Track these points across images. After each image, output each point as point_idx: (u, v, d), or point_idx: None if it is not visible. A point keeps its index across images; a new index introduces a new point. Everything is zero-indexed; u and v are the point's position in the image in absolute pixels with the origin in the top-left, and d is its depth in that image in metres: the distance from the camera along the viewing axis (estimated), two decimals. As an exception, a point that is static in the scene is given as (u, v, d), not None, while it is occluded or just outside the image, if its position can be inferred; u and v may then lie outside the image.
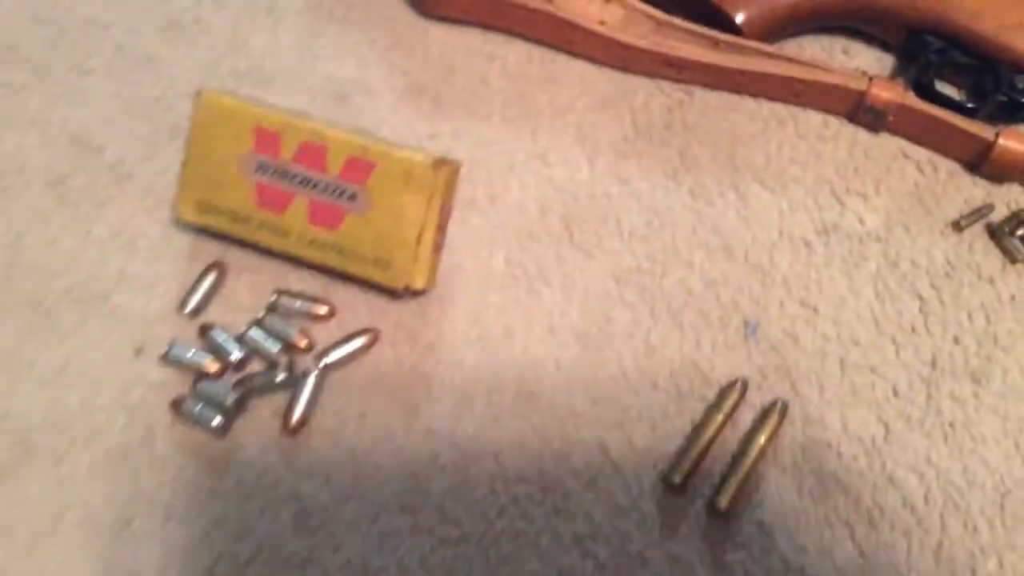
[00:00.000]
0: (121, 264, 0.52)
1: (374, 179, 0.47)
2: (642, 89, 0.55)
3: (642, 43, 0.52)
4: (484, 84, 0.56)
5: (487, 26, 0.56)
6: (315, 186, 0.48)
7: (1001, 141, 0.49)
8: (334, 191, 0.48)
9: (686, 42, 0.52)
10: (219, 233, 0.50)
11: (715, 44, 0.52)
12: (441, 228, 0.49)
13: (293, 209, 0.48)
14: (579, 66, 0.56)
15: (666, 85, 0.55)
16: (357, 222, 0.48)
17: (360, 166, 0.48)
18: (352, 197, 0.48)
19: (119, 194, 0.53)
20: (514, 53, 0.56)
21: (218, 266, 0.51)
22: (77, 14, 0.58)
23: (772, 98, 0.54)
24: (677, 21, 0.53)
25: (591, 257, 0.51)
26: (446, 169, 0.47)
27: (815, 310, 0.50)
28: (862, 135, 0.53)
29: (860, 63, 0.55)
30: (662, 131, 0.54)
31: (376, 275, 0.48)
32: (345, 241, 0.48)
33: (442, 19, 0.57)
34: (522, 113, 0.55)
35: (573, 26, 0.53)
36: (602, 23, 0.54)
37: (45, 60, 0.57)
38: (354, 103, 0.55)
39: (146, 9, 0.58)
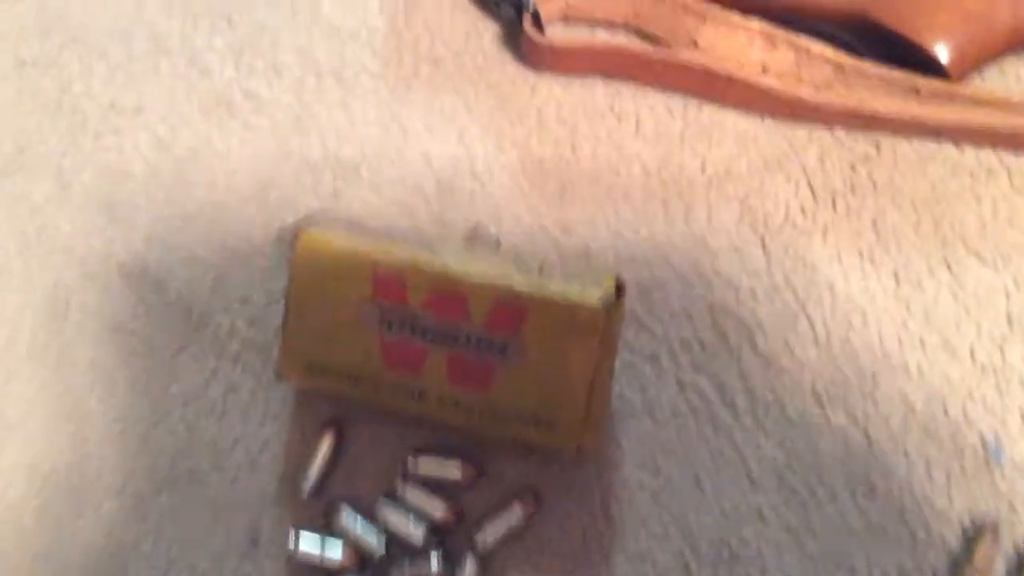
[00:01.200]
0: (216, 432, 0.44)
1: (528, 327, 0.39)
2: (814, 142, 0.46)
3: (822, 97, 0.43)
4: (618, 151, 0.46)
5: (611, 76, 0.47)
6: (455, 340, 0.39)
7: None
8: (479, 344, 0.39)
9: (878, 92, 0.42)
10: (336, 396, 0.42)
11: (915, 92, 0.42)
12: (611, 371, 0.40)
13: (430, 367, 0.39)
14: (732, 117, 0.46)
15: (844, 135, 0.46)
16: (510, 378, 0.39)
17: (509, 313, 0.39)
18: (502, 350, 0.39)
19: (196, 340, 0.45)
20: (648, 108, 0.46)
21: (335, 426, 0.43)
22: (100, 99, 0.48)
23: (978, 143, 0.45)
24: (865, 65, 0.43)
25: (781, 371, 0.43)
26: (616, 305, 0.39)
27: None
28: (1098, 184, 0.45)
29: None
30: (847, 195, 0.45)
31: (539, 437, 0.40)
32: (497, 401, 0.40)
33: (558, 66, 0.47)
34: (669, 186, 0.45)
35: (730, 79, 0.43)
36: (765, 70, 0.44)
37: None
38: (462, 189, 0.46)
39: (182, 87, 0.48)
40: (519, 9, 0.44)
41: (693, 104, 0.46)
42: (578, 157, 0.46)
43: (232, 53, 0.47)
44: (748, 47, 0.43)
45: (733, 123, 0.46)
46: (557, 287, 0.38)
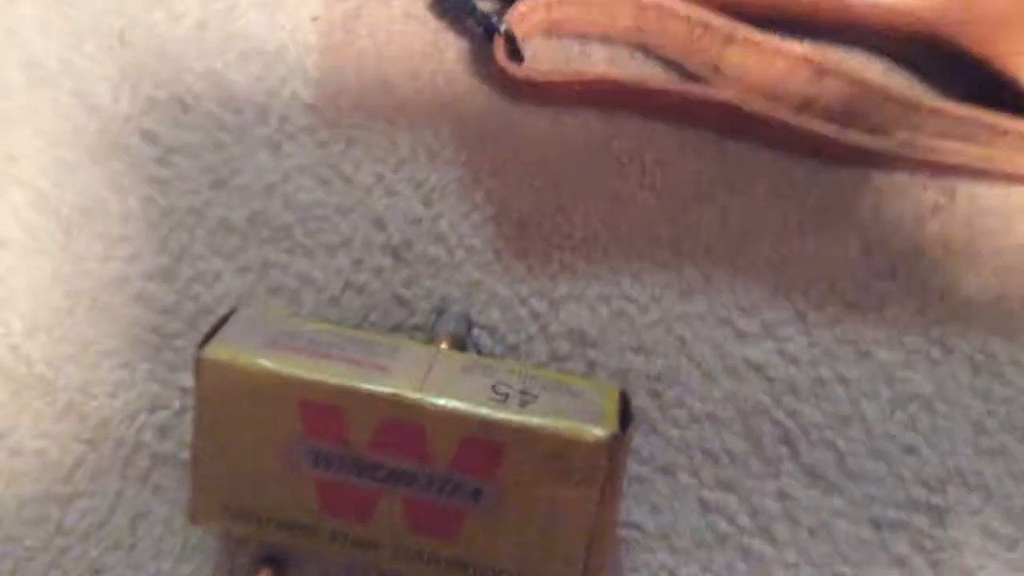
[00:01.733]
0: (124, 572, 0.35)
1: (508, 467, 0.30)
2: (870, 190, 0.36)
3: (881, 143, 0.33)
4: (618, 204, 0.37)
5: (608, 108, 0.37)
6: (413, 480, 0.31)
7: None
8: (444, 486, 0.30)
9: (955, 136, 0.33)
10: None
11: (1001, 134, 0.33)
12: (616, 519, 0.32)
13: (381, 513, 0.31)
14: (764, 158, 0.37)
15: (908, 178, 0.36)
16: (485, 528, 0.31)
17: (482, 450, 0.30)
18: (474, 494, 0.30)
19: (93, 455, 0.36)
20: (657, 147, 0.37)
21: (272, 565, 0.35)
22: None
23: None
24: (940, 105, 0.33)
25: (832, 491, 0.35)
26: (622, 439, 0.29)
27: None
28: None
29: None
30: (911, 259, 0.36)
31: (523, 599, 0.32)
32: (468, 554, 0.31)
33: (542, 99, 0.37)
34: (684, 249, 0.36)
35: (764, 120, 0.34)
36: (808, 106, 0.34)
37: None
38: (422, 257, 0.36)
39: (66, 128, 0.38)
40: (488, 31, 0.34)
41: (712, 140, 0.37)
42: (568, 213, 0.37)
43: (127, 82, 0.37)
44: (787, 77, 0.34)
45: (766, 165, 0.37)
46: (543, 416, 0.30)
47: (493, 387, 0.31)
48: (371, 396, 0.30)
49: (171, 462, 0.35)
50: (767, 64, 0.34)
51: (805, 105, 0.34)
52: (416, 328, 0.36)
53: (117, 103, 0.37)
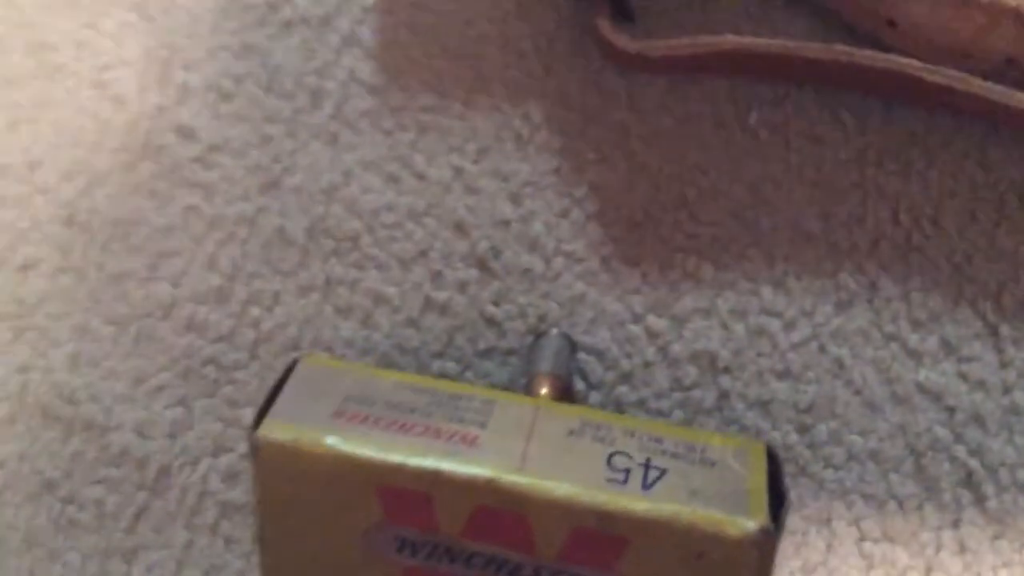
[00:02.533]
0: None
1: (631, 563, 0.25)
2: (1085, 162, 0.28)
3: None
4: (757, 192, 0.29)
5: (746, 76, 0.29)
6: (517, 572, 0.26)
7: None
8: (553, 579, 0.26)
9: None
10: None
11: None
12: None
13: (478, 604, 0.26)
14: (944, 122, 0.29)
15: None
16: (604, 625, 0.26)
17: (599, 542, 0.25)
18: (590, 589, 0.25)
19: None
20: (807, 117, 0.29)
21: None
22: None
23: None
24: None
25: None
26: (774, 531, 0.23)
27: None
28: None
29: None
30: None
31: None
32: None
33: (662, 68, 0.30)
34: (841, 243, 0.29)
35: (954, 91, 0.26)
36: (1012, 64, 0.26)
37: None
38: (515, 269, 0.30)
39: (88, 123, 0.32)
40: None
41: (878, 107, 0.29)
42: (693, 207, 0.30)
43: (155, 66, 0.32)
44: (984, 32, 0.26)
45: (948, 137, 0.29)
46: (674, 501, 0.24)
47: (609, 460, 0.25)
48: (462, 481, 0.25)
49: (242, 511, 0.31)
50: (962, 18, 0.26)
51: (1007, 67, 0.26)
52: (510, 353, 0.31)
53: (145, 92, 0.31)
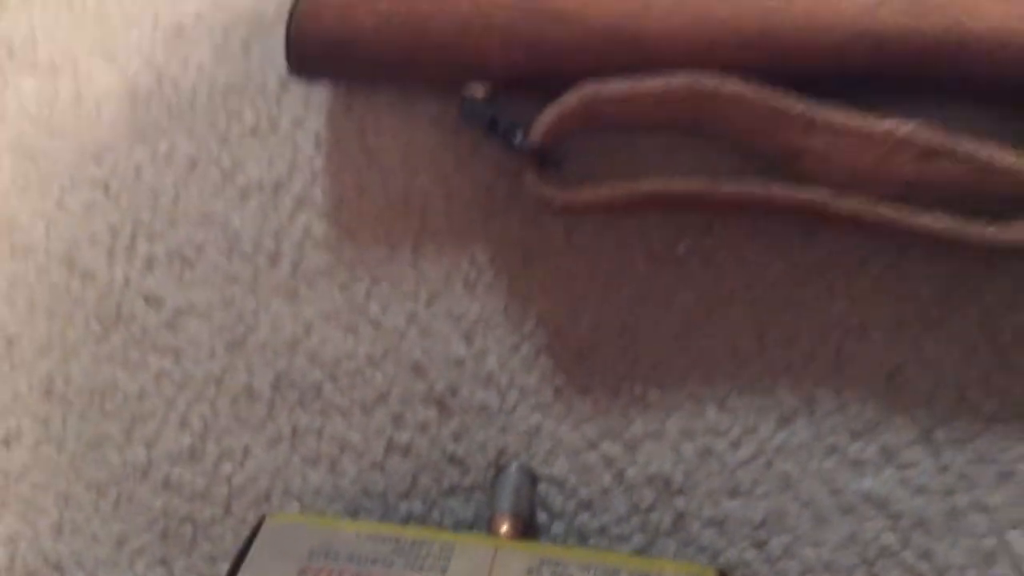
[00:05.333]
0: None
1: None
2: (998, 274, 0.30)
3: (1010, 234, 0.27)
4: (693, 316, 0.31)
5: (673, 209, 0.31)
6: None
7: None
8: None
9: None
10: None
11: None
12: None
13: None
14: (862, 242, 0.31)
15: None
16: None
17: None
18: None
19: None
20: (732, 243, 0.31)
21: None
22: None
23: None
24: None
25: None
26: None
27: None
28: None
29: None
30: (1056, 353, 0.30)
31: None
32: None
33: (587, 211, 0.32)
34: (777, 360, 0.30)
35: (859, 218, 0.28)
36: (911, 188, 0.28)
37: None
38: (470, 405, 0.32)
39: (62, 300, 0.34)
40: (512, 144, 0.29)
41: (799, 230, 0.31)
42: (634, 334, 0.32)
43: (120, 240, 0.34)
44: (885, 161, 0.28)
45: (867, 255, 0.31)
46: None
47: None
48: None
49: (225, 661, 0.33)
50: (858, 149, 0.28)
51: (911, 189, 0.28)
52: (473, 488, 0.32)
53: (113, 265, 0.33)
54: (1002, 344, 0.30)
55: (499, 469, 0.32)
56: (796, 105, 0.28)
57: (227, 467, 0.33)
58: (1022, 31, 0.27)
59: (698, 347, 0.32)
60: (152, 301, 0.33)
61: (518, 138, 0.29)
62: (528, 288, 0.32)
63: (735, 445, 0.31)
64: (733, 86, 0.28)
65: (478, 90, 0.30)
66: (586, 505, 0.32)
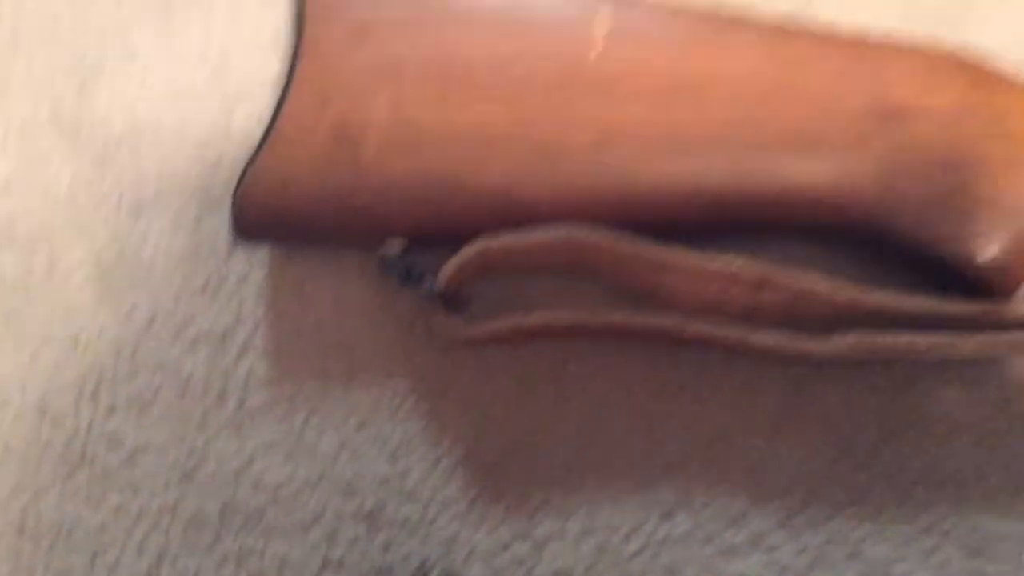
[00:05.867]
0: None
1: None
2: (832, 381, 0.36)
3: (831, 346, 0.33)
4: (586, 427, 0.37)
5: (560, 339, 0.37)
6: None
7: None
8: None
9: (908, 328, 0.33)
10: None
11: (954, 322, 0.33)
12: None
13: None
14: (721, 359, 0.37)
15: (865, 380, 0.36)
16: None
17: None
18: None
19: None
20: (613, 363, 0.37)
21: None
22: None
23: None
24: (889, 299, 0.33)
25: None
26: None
27: None
28: None
29: None
30: (886, 446, 0.36)
31: None
32: None
33: (492, 342, 0.37)
34: (657, 461, 0.36)
35: (702, 334, 0.34)
36: (751, 315, 0.35)
37: None
38: (395, 519, 0.36)
39: (30, 449, 0.39)
40: (425, 292, 0.35)
41: (667, 350, 0.37)
42: (538, 446, 0.37)
43: (87, 389, 0.39)
44: (725, 293, 0.34)
45: (726, 369, 0.37)
46: None
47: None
48: None
49: None
50: (703, 284, 0.34)
51: (750, 313, 0.34)
52: (402, 594, 0.36)
53: (79, 413, 0.38)
54: (841, 438, 0.36)
55: (423, 574, 0.36)
56: (650, 249, 0.34)
57: (180, 588, 0.37)
58: (819, 188, 0.34)
59: (592, 454, 0.37)
60: (113, 442, 0.38)
61: (427, 285, 0.35)
62: (444, 411, 0.37)
63: (626, 539, 0.36)
64: (600, 236, 0.34)
65: (394, 246, 0.36)
66: (501, 602, 0.36)
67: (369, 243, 0.37)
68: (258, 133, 0.36)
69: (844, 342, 0.33)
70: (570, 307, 0.36)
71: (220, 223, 0.38)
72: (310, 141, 0.35)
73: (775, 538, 0.35)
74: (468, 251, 0.35)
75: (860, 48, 0.35)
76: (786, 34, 0.35)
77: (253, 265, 0.38)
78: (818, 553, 0.35)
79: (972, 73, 0.34)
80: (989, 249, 0.33)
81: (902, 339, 0.33)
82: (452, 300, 0.36)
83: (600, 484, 0.37)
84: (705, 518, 0.36)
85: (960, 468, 0.35)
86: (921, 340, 0.33)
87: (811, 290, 0.34)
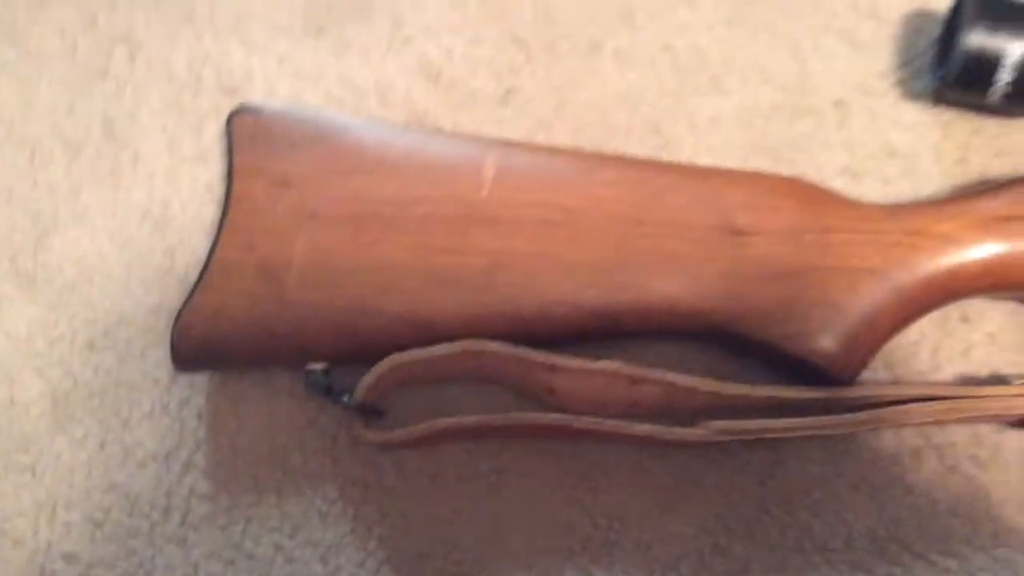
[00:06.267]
0: None
1: None
2: (714, 464, 0.41)
3: (699, 432, 0.38)
4: (496, 521, 0.41)
5: (469, 440, 0.42)
6: None
7: None
8: None
9: (765, 411, 0.39)
10: None
11: (803, 405, 0.38)
12: None
13: None
14: (613, 448, 0.42)
15: (741, 450, 0.41)
16: None
17: None
18: None
19: None
20: (519, 460, 0.41)
21: None
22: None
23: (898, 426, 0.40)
24: (745, 389, 0.39)
25: None
26: None
27: None
28: (1033, 444, 0.41)
29: (991, 330, 0.41)
30: (759, 517, 0.41)
31: None
32: None
33: (408, 447, 0.42)
34: (562, 546, 0.40)
35: (594, 429, 0.39)
36: (635, 407, 0.40)
37: None
38: (331, 611, 0.41)
39: None
40: (343, 404, 0.40)
41: (568, 445, 0.42)
42: (454, 542, 0.41)
43: (44, 511, 0.42)
44: (609, 388, 0.39)
45: (618, 458, 0.41)
46: None
47: None
48: None
49: None
50: (588, 382, 0.39)
51: (632, 406, 0.39)
52: None
53: (37, 533, 0.42)
54: (721, 514, 0.40)
55: (354, 665, 0.39)
56: (539, 356, 0.39)
57: None
58: (678, 299, 0.39)
59: (505, 543, 0.41)
60: (70, 558, 0.41)
61: (346, 399, 0.40)
62: (368, 514, 0.41)
63: (537, 622, 0.40)
64: (494, 346, 0.39)
65: (316, 366, 0.41)
66: None
67: (295, 365, 0.41)
68: (195, 275, 0.41)
69: (711, 428, 0.38)
70: (479, 410, 0.41)
71: (163, 355, 0.43)
72: (238, 280, 0.40)
73: (667, 610, 0.39)
74: (380, 367, 0.40)
75: (710, 178, 0.41)
76: (647, 168, 0.41)
77: (193, 390, 0.43)
78: (707, 622, 0.39)
79: (804, 196, 0.40)
80: (825, 345, 0.38)
81: (758, 424, 0.38)
82: (370, 411, 0.41)
83: (515, 570, 0.40)
84: (608, 596, 0.40)
85: (829, 535, 0.40)
86: (773, 423, 0.38)
87: (680, 384, 0.39)
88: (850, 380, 0.39)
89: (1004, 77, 0.39)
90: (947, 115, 0.43)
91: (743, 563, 0.40)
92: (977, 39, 0.39)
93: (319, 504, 0.42)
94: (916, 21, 0.45)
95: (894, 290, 0.38)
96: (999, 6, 0.40)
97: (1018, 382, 0.39)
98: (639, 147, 0.45)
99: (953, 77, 0.40)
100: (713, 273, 0.39)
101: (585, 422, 0.39)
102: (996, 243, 0.37)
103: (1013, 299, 0.41)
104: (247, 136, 0.43)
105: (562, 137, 0.45)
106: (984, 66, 0.40)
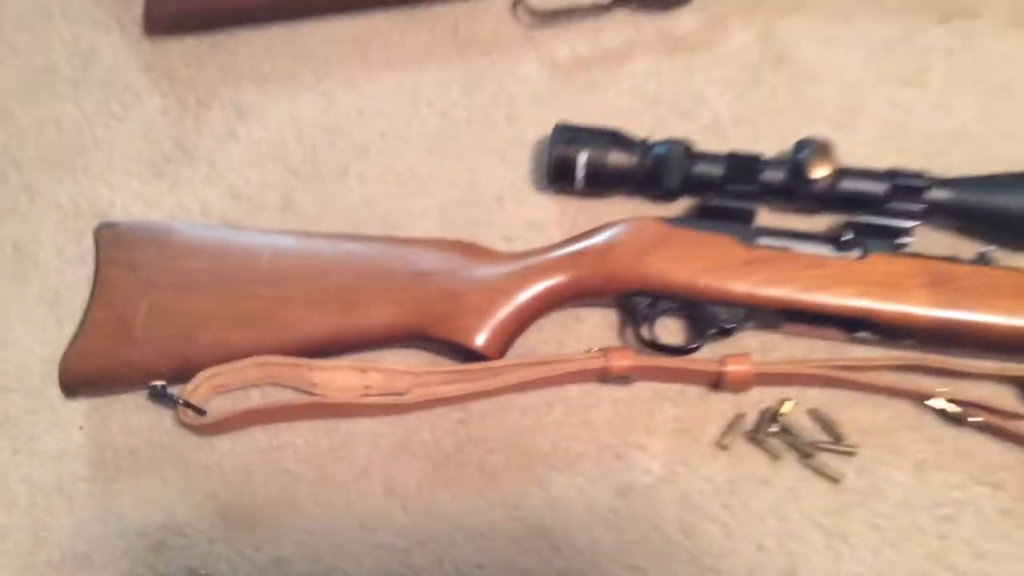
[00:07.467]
0: None
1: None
2: (424, 422, 0.63)
3: (408, 398, 0.61)
4: (286, 474, 0.62)
5: (266, 423, 0.64)
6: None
7: (728, 368, 0.60)
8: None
9: (447, 383, 0.61)
10: None
11: (468, 374, 0.61)
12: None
13: None
14: (362, 424, 0.63)
15: (442, 410, 0.63)
16: None
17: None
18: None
19: None
20: (300, 436, 0.63)
21: None
22: None
23: (535, 388, 0.63)
24: (433, 369, 0.62)
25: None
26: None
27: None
28: (618, 391, 0.63)
29: (592, 326, 0.65)
30: (456, 454, 0.62)
31: None
32: None
33: (222, 431, 0.63)
34: (328, 491, 0.62)
35: (343, 405, 0.61)
36: (368, 389, 0.62)
37: None
38: (176, 545, 0.60)
39: None
40: (174, 406, 0.61)
41: (331, 423, 0.63)
42: (255, 487, 0.61)
43: (-30, 502, 0.61)
44: (348, 378, 0.61)
45: (364, 428, 0.63)
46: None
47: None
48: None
49: None
50: (335, 375, 0.61)
51: (366, 388, 0.61)
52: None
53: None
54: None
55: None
56: (303, 361, 0.62)
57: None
58: (387, 322, 0.62)
59: (314, 484, 0.61)
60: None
61: (176, 401, 0.60)
62: (198, 480, 0.61)
63: (340, 548, 0.59)
64: (275, 359, 0.62)
65: (158, 383, 0.61)
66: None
67: (144, 385, 0.62)
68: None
69: (415, 395, 0.60)
70: (267, 400, 0.62)
71: (56, 389, 0.63)
72: (102, 330, 0.63)
73: None
74: (199, 377, 0.61)
75: (408, 244, 0.65)
76: (369, 241, 0.65)
77: (76, 410, 0.63)
78: None
79: (463, 249, 0.64)
80: (477, 337, 0.61)
81: (447, 391, 0.60)
82: (194, 408, 0.61)
83: (318, 518, 0.61)
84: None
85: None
86: (460, 388, 0.60)
87: (393, 368, 0.61)
88: (499, 357, 0.62)
89: (580, 173, 0.65)
90: (562, 199, 0.69)
91: (448, 490, 0.61)
92: (560, 151, 0.65)
93: (158, 483, 0.62)
94: (542, 144, 0.71)
95: (516, 303, 0.62)
96: (574, 131, 0.65)
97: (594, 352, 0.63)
98: (376, 232, 0.68)
99: (552, 175, 0.66)
100: (410, 300, 0.62)
101: (335, 399, 0.61)
102: (568, 273, 0.62)
103: (597, 305, 0.65)
104: (108, 241, 0.66)
105: (324, 230, 0.69)
106: (567, 166, 0.65)
